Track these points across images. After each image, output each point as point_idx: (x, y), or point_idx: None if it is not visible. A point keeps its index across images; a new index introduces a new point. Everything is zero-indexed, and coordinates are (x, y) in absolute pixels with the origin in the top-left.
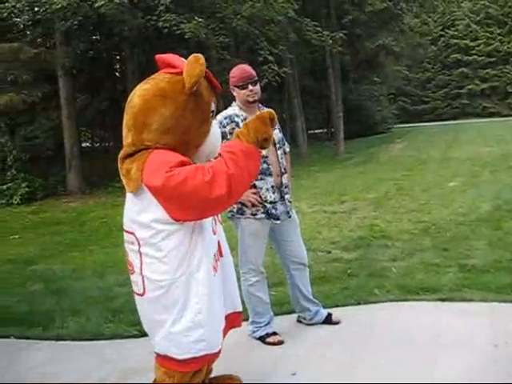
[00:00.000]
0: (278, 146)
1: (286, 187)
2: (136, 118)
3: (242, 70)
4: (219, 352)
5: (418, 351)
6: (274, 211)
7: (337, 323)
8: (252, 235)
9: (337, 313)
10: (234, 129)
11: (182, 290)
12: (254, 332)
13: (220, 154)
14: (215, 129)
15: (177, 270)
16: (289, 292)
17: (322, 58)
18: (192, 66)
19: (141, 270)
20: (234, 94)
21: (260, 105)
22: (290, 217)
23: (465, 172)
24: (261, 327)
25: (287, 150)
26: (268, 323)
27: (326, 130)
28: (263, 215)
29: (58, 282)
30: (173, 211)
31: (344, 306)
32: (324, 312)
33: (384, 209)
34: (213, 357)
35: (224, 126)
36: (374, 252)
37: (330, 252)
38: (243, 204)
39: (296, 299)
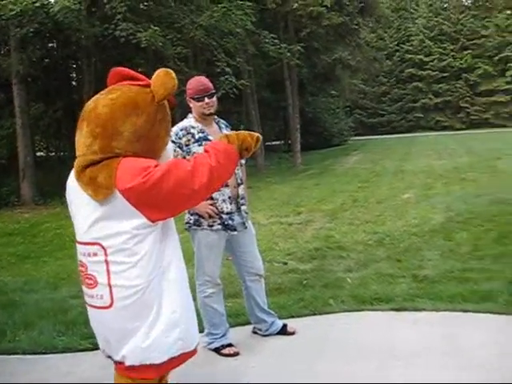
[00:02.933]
0: None
1: (242, 198)
2: (105, 126)
3: (198, 82)
4: (195, 350)
5: (372, 361)
6: (230, 222)
7: (292, 334)
8: (208, 247)
9: (292, 323)
10: (189, 140)
11: (155, 292)
12: (209, 344)
13: (205, 149)
14: (168, 140)
15: (151, 272)
16: (244, 303)
17: (280, 71)
18: (164, 79)
19: (108, 280)
20: (191, 105)
21: (216, 117)
22: (246, 228)
23: (418, 184)
24: (216, 339)
25: (243, 161)
26: (224, 335)
27: (283, 142)
28: (220, 226)
29: (9, 295)
30: (151, 212)
31: (299, 316)
32: (279, 323)
33: (339, 220)
34: (189, 355)
35: (180, 138)
36: (330, 263)
37: (286, 263)
38: (200, 215)
39: (252, 310)
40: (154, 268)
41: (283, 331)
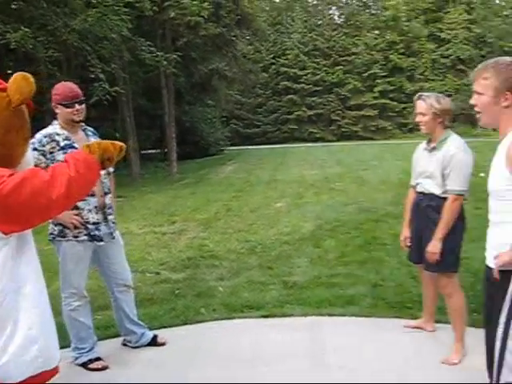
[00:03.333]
0: None
1: (109, 208)
2: None
3: (68, 88)
4: (57, 368)
5: (243, 367)
6: (97, 233)
7: (162, 344)
8: (74, 258)
9: (164, 334)
10: (54, 148)
11: (10, 308)
12: (76, 359)
13: (65, 159)
14: (28, 147)
15: (3, 288)
16: (114, 315)
17: (157, 79)
18: (21, 83)
19: None
20: (57, 111)
21: (83, 124)
22: (113, 238)
23: (290, 193)
24: (83, 353)
25: (111, 170)
26: (91, 349)
27: (160, 151)
28: (86, 237)
29: None
30: (5, 224)
31: (171, 326)
32: (150, 334)
33: (213, 229)
34: (51, 374)
35: (43, 145)
36: (202, 272)
37: (158, 273)
38: (65, 226)
39: (121, 322)
40: (6, 283)
41: (154, 342)
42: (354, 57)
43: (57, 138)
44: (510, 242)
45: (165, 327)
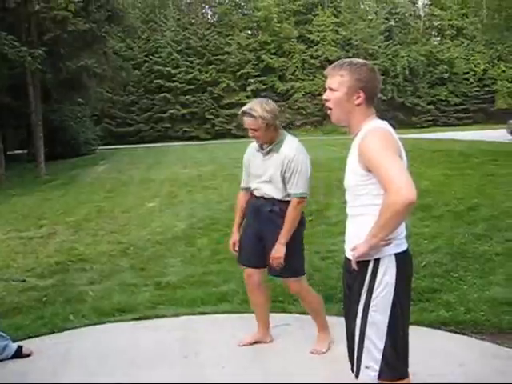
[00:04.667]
0: None
1: None
2: None
3: None
4: None
5: (115, 372)
6: None
7: (28, 355)
8: None
9: (30, 344)
10: None
11: None
12: None
13: None
14: None
15: None
16: None
17: (23, 75)
18: None
19: None
20: None
21: None
22: None
23: (163, 193)
24: None
25: None
26: None
27: (27, 151)
28: None
29: None
30: None
31: (37, 336)
32: (13, 346)
33: (84, 232)
34: None
35: None
36: (72, 277)
37: (24, 280)
38: None
39: None
40: None
41: (18, 354)
42: (226, 56)
43: None
44: (365, 234)
45: (30, 337)
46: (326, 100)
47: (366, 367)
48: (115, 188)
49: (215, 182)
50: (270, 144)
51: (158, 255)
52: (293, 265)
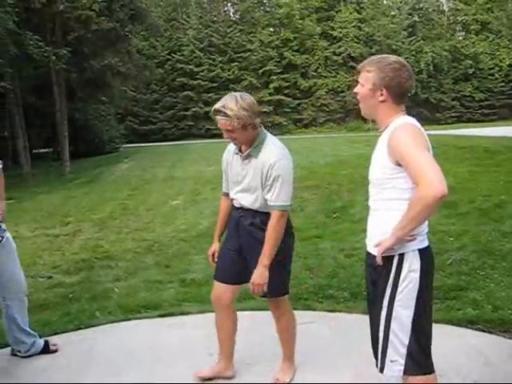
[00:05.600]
0: None
1: None
2: None
3: None
4: None
5: (140, 369)
6: None
7: (55, 352)
8: None
9: (57, 340)
10: None
11: None
12: None
13: None
14: None
15: None
16: (4, 324)
17: (48, 75)
18: None
19: None
20: None
21: None
22: None
23: (187, 190)
24: None
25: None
26: None
27: (52, 150)
28: None
29: None
30: None
31: (64, 332)
32: (41, 342)
33: (108, 229)
34: None
35: None
36: (97, 274)
37: (51, 277)
38: None
39: (9, 331)
40: None
41: (46, 350)
42: (249, 53)
43: None
44: (391, 229)
45: (57, 333)
46: (356, 94)
47: (391, 361)
48: (139, 186)
49: None
50: (249, 146)
51: (182, 252)
52: (277, 284)
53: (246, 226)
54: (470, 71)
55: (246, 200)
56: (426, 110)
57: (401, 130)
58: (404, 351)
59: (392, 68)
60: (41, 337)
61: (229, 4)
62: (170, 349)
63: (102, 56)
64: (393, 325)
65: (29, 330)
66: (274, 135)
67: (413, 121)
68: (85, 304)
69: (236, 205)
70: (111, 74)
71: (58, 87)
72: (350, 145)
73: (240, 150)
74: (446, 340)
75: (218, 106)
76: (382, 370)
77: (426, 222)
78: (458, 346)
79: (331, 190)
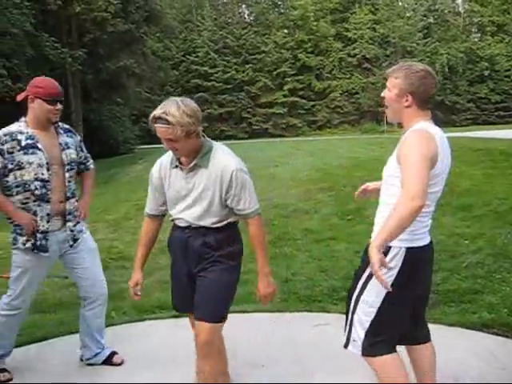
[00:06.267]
0: (67, 167)
1: (69, 214)
2: None
3: (52, 83)
4: None
5: (155, 370)
6: (43, 242)
7: (120, 364)
8: (21, 268)
9: (70, 340)
10: (14, 148)
11: None
12: None
13: None
14: None
15: None
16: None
17: (63, 76)
18: None
19: None
20: (33, 105)
21: (60, 123)
22: (71, 246)
23: None
24: None
25: (91, 166)
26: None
27: None
28: (30, 246)
29: None
30: None
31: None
32: (106, 352)
33: (123, 230)
34: None
35: (3, 144)
36: (112, 274)
37: (66, 277)
38: (18, 233)
39: (81, 333)
40: None
41: (109, 361)
42: (263, 55)
43: (19, 136)
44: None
45: (73, 333)
46: (383, 98)
47: (354, 341)
48: None
49: (253, 181)
50: (192, 157)
51: None
52: (219, 305)
53: (196, 248)
54: (486, 73)
55: (194, 216)
56: (440, 112)
57: (411, 134)
58: (362, 334)
59: (418, 76)
60: (55, 336)
61: (243, 6)
62: (184, 349)
63: (117, 57)
64: (359, 307)
65: (99, 338)
66: (288, 136)
67: (427, 127)
68: None
69: (181, 224)
70: (126, 75)
71: (74, 88)
72: (364, 147)
73: (180, 163)
74: (460, 343)
75: (157, 112)
76: (345, 346)
77: (422, 222)
78: (472, 350)
79: (346, 191)
